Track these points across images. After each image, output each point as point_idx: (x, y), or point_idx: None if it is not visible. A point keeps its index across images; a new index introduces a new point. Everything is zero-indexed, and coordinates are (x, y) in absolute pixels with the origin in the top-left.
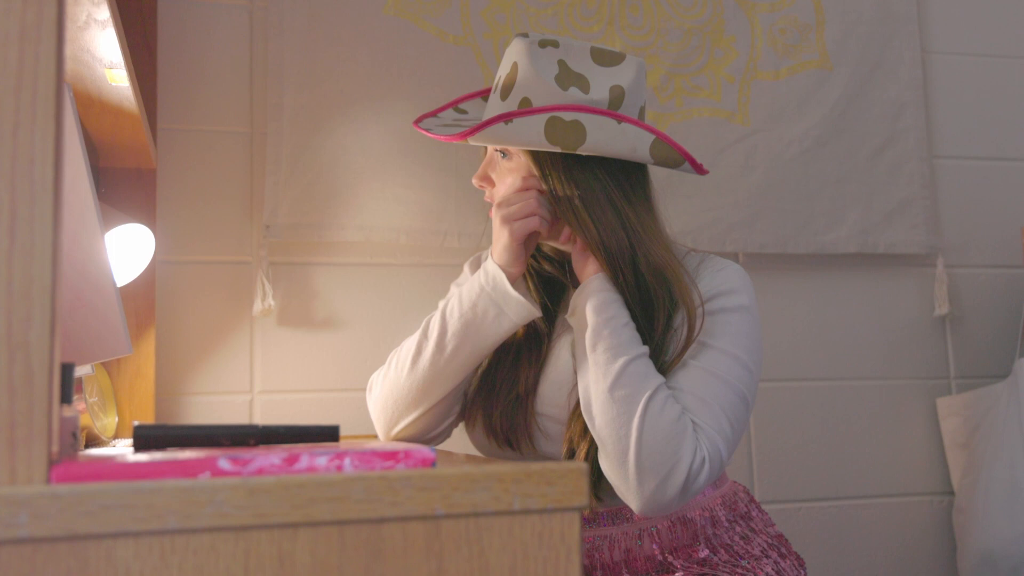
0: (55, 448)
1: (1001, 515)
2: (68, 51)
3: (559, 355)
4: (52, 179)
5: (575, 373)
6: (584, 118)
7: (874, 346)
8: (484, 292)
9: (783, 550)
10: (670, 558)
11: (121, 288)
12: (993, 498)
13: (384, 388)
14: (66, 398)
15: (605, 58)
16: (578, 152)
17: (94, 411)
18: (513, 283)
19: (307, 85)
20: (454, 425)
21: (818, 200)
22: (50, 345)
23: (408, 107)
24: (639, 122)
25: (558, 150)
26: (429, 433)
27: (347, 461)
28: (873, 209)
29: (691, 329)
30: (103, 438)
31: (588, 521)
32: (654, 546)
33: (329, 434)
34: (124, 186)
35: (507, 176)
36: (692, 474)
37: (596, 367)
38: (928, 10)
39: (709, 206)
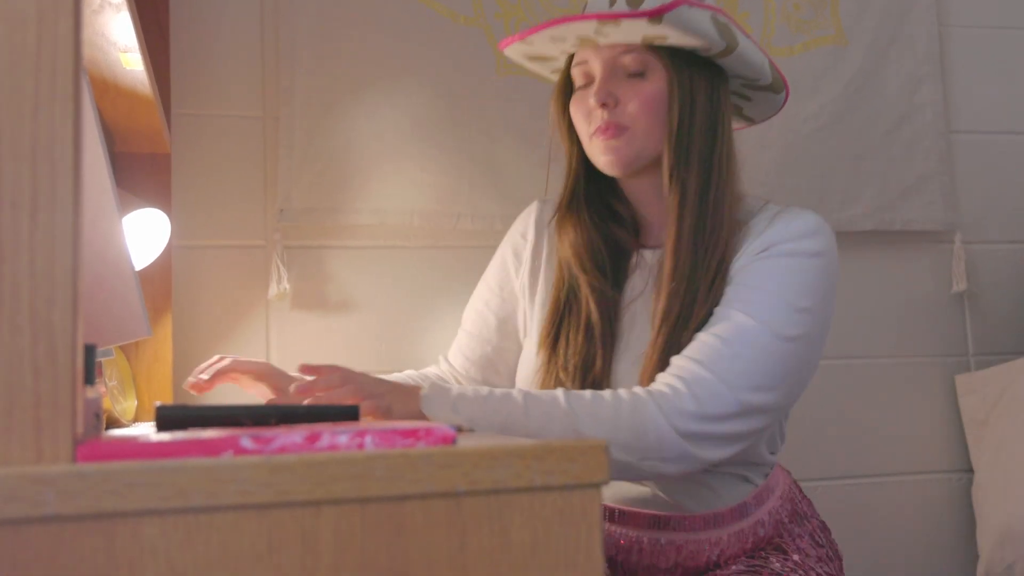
0: (80, 428)
1: (1021, 492)
2: (83, 34)
3: (631, 328)
4: (72, 161)
5: (650, 344)
6: (730, 23)
7: (892, 324)
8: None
9: (822, 539)
10: (730, 562)
11: (138, 272)
12: (1013, 475)
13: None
14: (89, 379)
15: None
16: (730, 56)
17: (114, 395)
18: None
19: (318, 68)
20: None
21: (834, 177)
22: (73, 326)
23: (420, 89)
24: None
25: (723, 46)
26: None
27: (368, 439)
28: (890, 186)
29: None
30: (123, 421)
31: (652, 524)
32: (716, 552)
33: (349, 414)
34: (139, 171)
35: (643, 91)
36: (666, 450)
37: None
38: None
39: None
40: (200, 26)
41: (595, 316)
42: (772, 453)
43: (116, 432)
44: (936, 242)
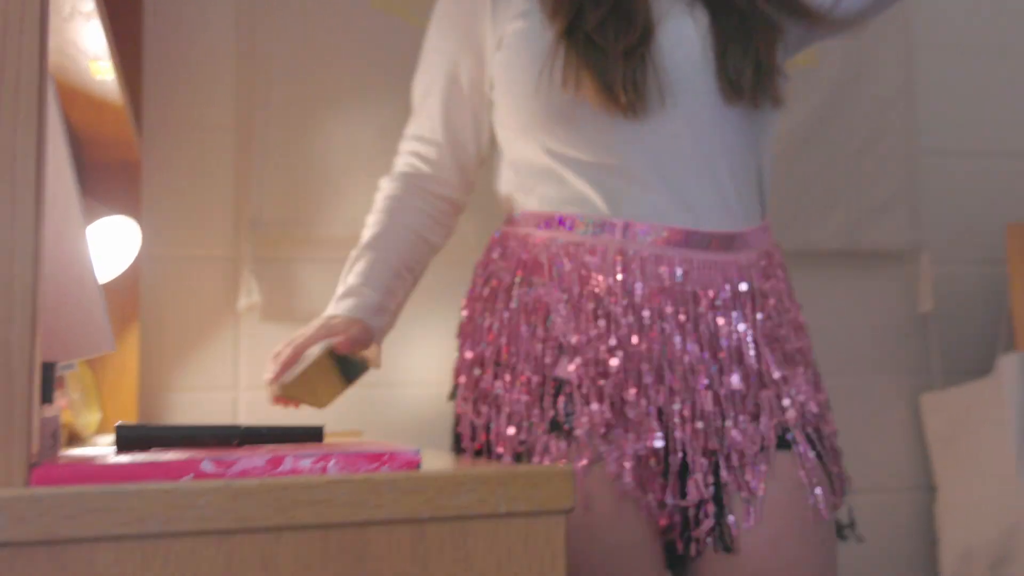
0: (35, 449)
1: (984, 511)
2: (52, 43)
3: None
4: (34, 176)
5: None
6: None
7: (859, 343)
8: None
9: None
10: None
11: (106, 282)
12: (976, 493)
13: None
14: (47, 397)
15: None
16: None
17: (76, 408)
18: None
19: (295, 79)
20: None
21: (805, 197)
22: (31, 345)
23: (397, 102)
24: None
25: None
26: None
27: (332, 463)
28: (859, 205)
29: None
30: (85, 435)
31: (682, 242)
32: (743, 284)
33: (313, 435)
34: (109, 179)
35: None
36: None
37: None
38: (916, 3)
39: None
40: (175, 33)
41: None
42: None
43: (75, 452)
44: (903, 262)
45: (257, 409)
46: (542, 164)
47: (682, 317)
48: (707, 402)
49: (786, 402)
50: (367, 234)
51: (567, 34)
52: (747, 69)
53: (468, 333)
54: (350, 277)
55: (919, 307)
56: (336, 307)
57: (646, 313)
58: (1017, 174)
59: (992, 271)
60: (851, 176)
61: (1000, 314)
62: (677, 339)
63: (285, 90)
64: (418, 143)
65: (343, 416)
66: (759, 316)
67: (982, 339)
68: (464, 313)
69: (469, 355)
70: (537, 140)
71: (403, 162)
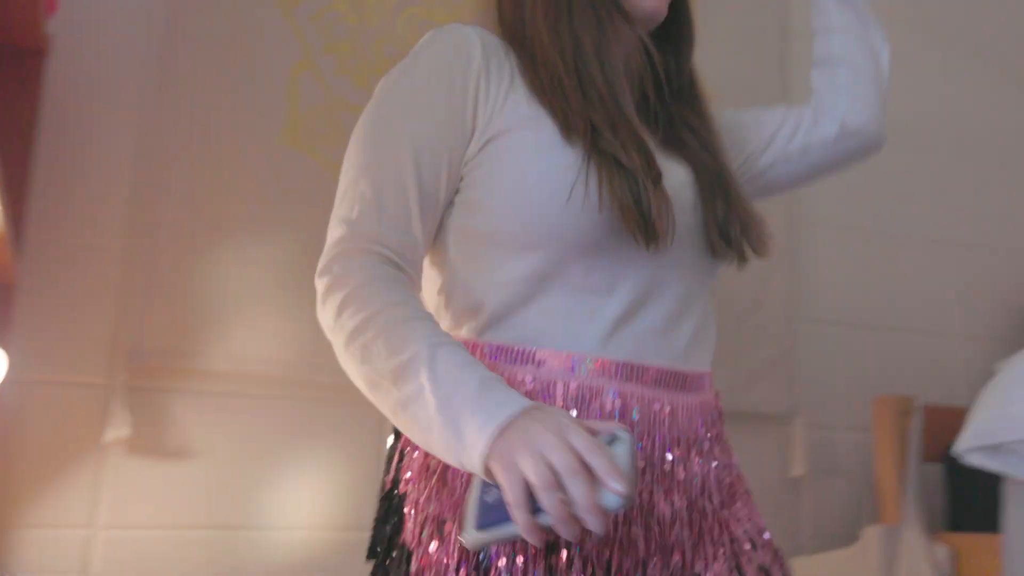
0: None
1: None
2: None
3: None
4: None
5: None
6: None
7: None
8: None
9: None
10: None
11: None
12: None
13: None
14: None
15: None
16: None
17: None
18: None
19: (189, 206)
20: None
21: None
22: None
23: (293, 237)
24: None
25: None
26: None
27: None
28: (739, 368)
29: None
30: None
31: (669, 384)
32: (715, 427)
33: None
34: None
35: None
36: None
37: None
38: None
39: None
40: (68, 153)
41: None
42: None
43: None
44: (777, 425)
45: (115, 550)
46: (527, 287)
47: (671, 464)
48: (689, 550)
49: (764, 537)
50: (412, 328)
51: (594, 152)
52: (734, 228)
53: (420, 491)
54: (469, 376)
55: (792, 470)
56: (517, 401)
57: (646, 463)
58: (886, 347)
59: (862, 438)
60: (734, 338)
61: (867, 481)
62: (669, 482)
63: (178, 218)
64: (387, 236)
65: (208, 560)
66: (726, 456)
67: (851, 505)
68: (415, 456)
69: (430, 514)
70: (532, 260)
71: (374, 258)
